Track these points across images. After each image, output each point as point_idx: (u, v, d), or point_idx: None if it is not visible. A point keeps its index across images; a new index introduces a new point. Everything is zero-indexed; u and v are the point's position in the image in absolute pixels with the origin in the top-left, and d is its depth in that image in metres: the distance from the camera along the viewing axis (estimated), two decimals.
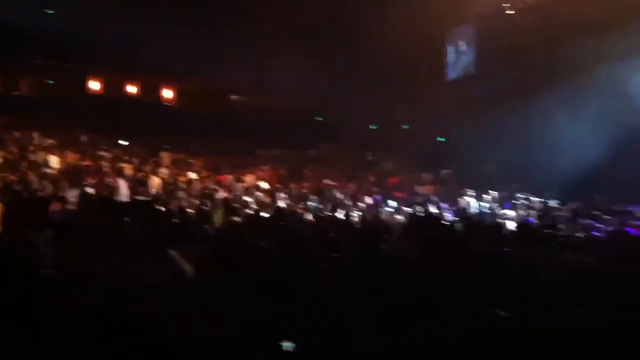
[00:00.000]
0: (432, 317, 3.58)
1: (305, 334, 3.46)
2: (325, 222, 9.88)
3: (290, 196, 17.17)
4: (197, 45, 20.38)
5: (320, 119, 25.69)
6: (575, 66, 19.43)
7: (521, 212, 16.54)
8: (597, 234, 9.95)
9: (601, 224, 12.53)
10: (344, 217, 10.54)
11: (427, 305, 3.76)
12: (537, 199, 17.87)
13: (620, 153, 18.40)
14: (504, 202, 17.90)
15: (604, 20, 18.31)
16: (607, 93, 19.22)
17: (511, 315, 3.58)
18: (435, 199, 18.16)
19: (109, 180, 14.76)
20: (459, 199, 18.09)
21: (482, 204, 17.65)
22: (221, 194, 15.21)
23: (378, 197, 18.05)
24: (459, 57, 23.54)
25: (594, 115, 19.06)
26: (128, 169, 16.63)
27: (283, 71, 21.65)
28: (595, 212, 14.37)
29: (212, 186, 16.65)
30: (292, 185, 18.75)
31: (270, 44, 21.44)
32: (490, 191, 18.54)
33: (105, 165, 16.85)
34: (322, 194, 17.46)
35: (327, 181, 19.81)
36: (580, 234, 10.19)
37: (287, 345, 3.13)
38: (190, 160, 20.06)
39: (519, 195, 18.26)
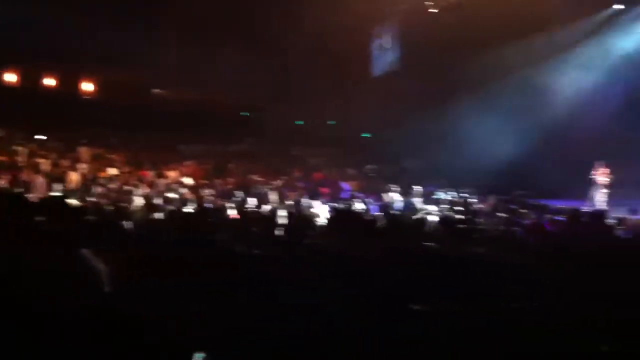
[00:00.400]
0: (350, 313, 3.56)
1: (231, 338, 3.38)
2: (250, 218, 9.78)
3: (216, 192, 16.96)
4: (118, 36, 19.82)
5: (246, 114, 25.48)
6: (496, 65, 20.03)
7: (443, 207, 16.89)
8: (515, 228, 10.21)
9: (519, 218, 12.91)
10: (269, 213, 10.48)
11: (345, 300, 3.74)
12: (458, 194, 18.32)
13: (538, 150, 19.17)
14: (427, 198, 18.24)
15: (525, 21, 18.96)
16: (527, 92, 19.96)
17: (428, 309, 3.59)
18: (360, 194, 18.31)
19: (24, 176, 14.17)
20: (383, 194, 18.31)
21: (406, 199, 17.91)
22: (142, 190, 14.87)
23: (304, 192, 18.06)
24: (383, 53, 23.82)
25: (514, 113, 19.76)
26: (45, 165, 16.02)
27: (208, 65, 21.35)
28: (512, 207, 14.84)
29: (134, 182, 16.25)
30: (217, 181, 18.51)
31: (194, 37, 21.09)
32: (414, 187, 18.86)
33: (20, 160, 16.17)
34: (247, 189, 17.32)
35: (252, 176, 19.66)
36: (500, 228, 10.45)
37: (198, 356, 3.00)
38: (111, 156, 19.50)
39: (441, 190, 18.66)
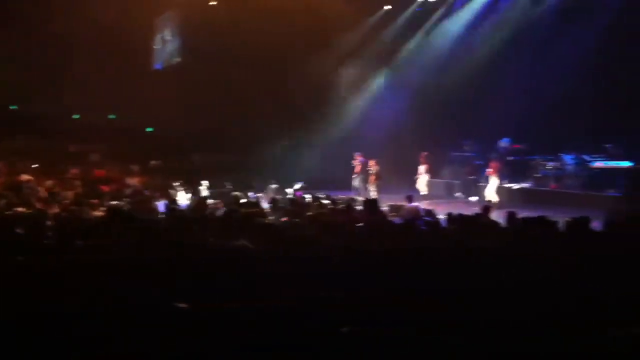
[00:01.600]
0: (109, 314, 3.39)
1: None
2: (17, 221, 8.94)
3: None
4: None
5: (15, 108, 23.42)
6: (276, 61, 20.39)
7: (231, 200, 16.84)
8: (296, 219, 10.42)
9: (302, 208, 13.27)
10: (37, 214, 9.65)
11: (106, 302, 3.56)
12: (247, 188, 18.43)
13: (321, 144, 20.01)
14: (217, 192, 18.10)
15: (309, 18, 19.51)
16: (312, 89, 20.63)
17: (191, 307, 3.51)
18: (146, 191, 17.65)
19: None
20: (170, 190, 17.84)
21: (193, 195, 17.62)
22: None
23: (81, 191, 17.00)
24: (165, 45, 23.26)
25: (299, 110, 20.39)
26: None
27: None
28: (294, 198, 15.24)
29: None
30: None
31: None
32: (202, 182, 18.63)
33: None
34: (18, 189, 15.88)
35: (24, 176, 18.09)
36: (282, 220, 10.63)
37: None
38: None
39: (228, 184, 18.63)
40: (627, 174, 15.64)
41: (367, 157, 18.89)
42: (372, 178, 18.54)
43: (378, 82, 21.94)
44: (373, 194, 17.98)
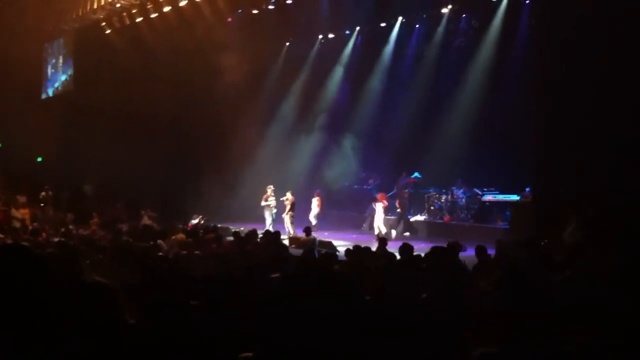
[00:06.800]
0: None
1: None
2: None
3: None
4: None
5: None
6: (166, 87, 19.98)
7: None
8: (197, 252, 10.22)
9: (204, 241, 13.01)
10: None
11: None
12: None
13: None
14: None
15: (201, 51, 19.30)
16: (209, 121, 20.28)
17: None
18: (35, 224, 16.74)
19: None
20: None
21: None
22: None
23: None
24: (56, 72, 22.45)
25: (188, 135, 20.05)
26: None
27: None
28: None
29: None
30: None
31: None
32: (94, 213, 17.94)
33: None
34: None
35: None
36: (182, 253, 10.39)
37: None
38: None
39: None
40: (513, 207, 16.33)
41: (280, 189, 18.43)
42: (287, 209, 17.89)
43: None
44: (289, 226, 17.49)
